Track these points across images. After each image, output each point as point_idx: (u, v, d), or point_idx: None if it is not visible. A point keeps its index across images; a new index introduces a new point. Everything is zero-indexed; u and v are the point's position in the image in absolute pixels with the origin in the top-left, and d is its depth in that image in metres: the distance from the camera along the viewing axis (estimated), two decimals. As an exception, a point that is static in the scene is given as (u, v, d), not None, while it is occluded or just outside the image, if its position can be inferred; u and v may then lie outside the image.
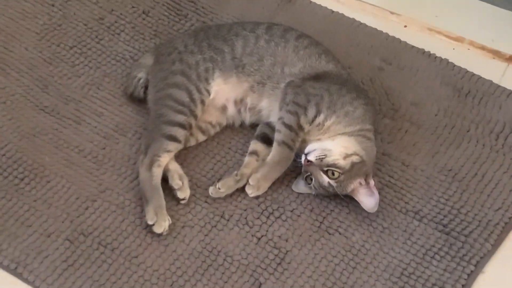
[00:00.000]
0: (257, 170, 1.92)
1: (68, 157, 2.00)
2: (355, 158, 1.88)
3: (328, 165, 1.86)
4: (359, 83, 2.15)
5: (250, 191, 1.92)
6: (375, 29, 2.37)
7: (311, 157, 1.88)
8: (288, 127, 1.92)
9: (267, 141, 1.99)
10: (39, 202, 1.90)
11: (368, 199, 1.87)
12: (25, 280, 1.77)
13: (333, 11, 2.42)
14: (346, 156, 1.88)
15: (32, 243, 1.83)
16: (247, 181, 1.92)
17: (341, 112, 1.94)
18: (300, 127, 1.93)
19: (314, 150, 1.90)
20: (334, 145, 1.91)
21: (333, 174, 1.87)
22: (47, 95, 2.12)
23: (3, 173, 1.95)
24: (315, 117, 1.93)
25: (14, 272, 1.78)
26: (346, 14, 2.41)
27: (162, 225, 1.84)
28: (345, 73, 2.06)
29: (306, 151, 1.91)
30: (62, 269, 1.79)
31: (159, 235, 1.84)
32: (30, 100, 2.11)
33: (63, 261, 1.80)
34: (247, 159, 1.98)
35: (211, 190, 1.92)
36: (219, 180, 1.93)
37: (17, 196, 1.91)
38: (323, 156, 1.87)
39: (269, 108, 2.02)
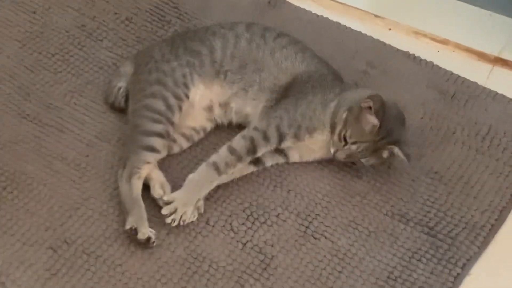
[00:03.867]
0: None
1: (51, 165, 2.00)
2: (344, 115, 1.92)
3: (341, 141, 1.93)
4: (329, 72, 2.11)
5: (166, 212, 1.84)
6: (360, 32, 2.39)
7: (339, 157, 1.95)
8: (232, 150, 1.91)
9: (254, 161, 1.98)
10: (22, 211, 1.90)
11: (371, 117, 1.89)
12: (8, 290, 1.77)
13: (317, 15, 2.44)
14: (339, 121, 1.93)
15: (15, 252, 1.83)
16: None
17: (305, 121, 1.96)
18: (252, 152, 1.92)
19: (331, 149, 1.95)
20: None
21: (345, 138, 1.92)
22: (29, 103, 2.13)
23: (-15, 182, 1.95)
24: (281, 139, 1.95)
25: (-4, 282, 1.79)
26: (331, 18, 2.43)
27: (144, 233, 1.82)
28: (315, 67, 2.04)
29: (332, 151, 1.96)
30: (46, 278, 1.78)
31: (146, 244, 1.83)
32: (12, 108, 2.11)
33: (47, 270, 1.80)
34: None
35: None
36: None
37: (-1, 205, 1.91)
38: (334, 145, 1.94)
39: (254, 116, 2.03)
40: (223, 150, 1.91)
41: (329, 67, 2.08)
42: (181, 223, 1.86)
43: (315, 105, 1.97)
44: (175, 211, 1.84)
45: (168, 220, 1.84)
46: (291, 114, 1.95)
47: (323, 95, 1.98)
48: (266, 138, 1.93)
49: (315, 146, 2.01)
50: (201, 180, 1.89)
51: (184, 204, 1.86)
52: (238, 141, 1.92)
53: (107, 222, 1.89)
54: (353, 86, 2.11)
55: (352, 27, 2.40)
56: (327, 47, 2.28)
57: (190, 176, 1.89)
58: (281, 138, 1.95)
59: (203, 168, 1.90)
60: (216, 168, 1.89)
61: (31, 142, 2.04)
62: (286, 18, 2.41)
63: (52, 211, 1.91)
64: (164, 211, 1.84)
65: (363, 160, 1.95)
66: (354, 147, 1.92)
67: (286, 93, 1.99)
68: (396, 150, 1.92)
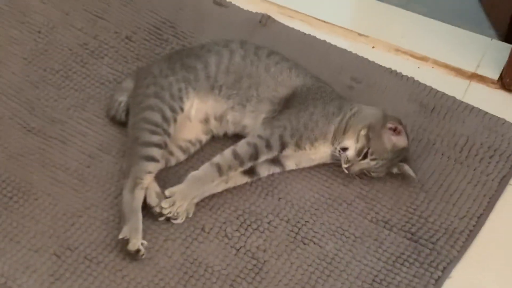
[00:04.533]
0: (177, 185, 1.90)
1: (55, 175, 2.00)
2: (363, 132, 1.93)
3: (360, 156, 1.94)
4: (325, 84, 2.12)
5: (165, 205, 1.86)
6: (345, 50, 2.39)
7: (353, 171, 1.96)
8: (235, 155, 1.92)
9: (249, 171, 1.99)
10: (27, 218, 1.90)
11: (399, 139, 1.93)
12: (15, 294, 1.77)
13: (305, 34, 2.44)
14: (357, 138, 1.94)
15: (21, 258, 1.83)
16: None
17: (307, 132, 1.97)
18: (254, 158, 1.93)
19: (344, 163, 1.96)
20: (349, 144, 1.96)
21: (366, 154, 1.93)
22: (34, 117, 2.13)
23: (-8, 193, 1.95)
24: (283, 147, 1.96)
25: (4, 286, 1.77)
26: (318, 36, 2.43)
27: (135, 244, 1.81)
28: (311, 81, 2.05)
29: (345, 166, 1.96)
30: (50, 282, 1.78)
31: (135, 255, 1.82)
32: (18, 122, 2.11)
33: (51, 275, 1.80)
34: None
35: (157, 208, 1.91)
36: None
37: (6, 213, 1.91)
38: (349, 160, 1.95)
39: (252, 127, 2.02)
40: (228, 154, 1.92)
41: (321, 80, 2.09)
42: (173, 219, 1.88)
43: (317, 116, 1.98)
44: (173, 204, 1.86)
45: (165, 211, 1.86)
46: (293, 124, 1.96)
47: (324, 107, 2.00)
48: (268, 146, 1.94)
49: (315, 156, 2.02)
50: (203, 177, 1.90)
51: (183, 197, 1.87)
52: (242, 147, 1.93)
53: (108, 229, 1.89)
54: (349, 100, 2.12)
55: (338, 45, 2.41)
56: (314, 63, 2.29)
57: (193, 172, 1.90)
58: (283, 146, 1.96)
59: (206, 167, 1.90)
60: (219, 169, 1.90)
61: (36, 153, 2.04)
62: (276, 36, 2.42)
63: (56, 219, 1.91)
64: (164, 204, 1.86)
65: (374, 175, 1.97)
66: (373, 163, 1.94)
67: (287, 105, 2.00)
68: (406, 167, 1.97)
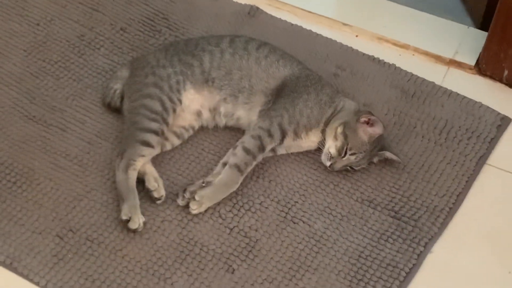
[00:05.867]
0: (205, 188, 1.89)
1: (56, 161, 1.98)
2: (340, 130, 1.93)
3: (341, 154, 1.94)
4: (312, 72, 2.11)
5: (194, 207, 1.87)
6: (330, 39, 2.39)
7: (336, 168, 1.95)
8: (246, 150, 1.91)
9: None
10: (30, 203, 1.89)
11: (374, 129, 1.93)
12: (20, 274, 1.77)
13: (292, 24, 2.43)
14: (335, 136, 1.94)
15: (25, 240, 1.82)
16: None
17: (303, 119, 1.97)
18: (261, 149, 1.93)
19: (326, 162, 1.96)
20: (329, 143, 1.96)
21: (346, 150, 1.93)
22: (35, 106, 2.11)
23: (-4, 179, 1.94)
24: (283, 135, 1.95)
25: (10, 267, 1.78)
26: (304, 26, 2.42)
27: (136, 222, 1.82)
28: (298, 69, 2.04)
29: (327, 164, 1.96)
30: (53, 263, 1.78)
31: (135, 231, 1.83)
32: (19, 110, 2.09)
33: (54, 256, 1.80)
34: (218, 168, 1.96)
35: (179, 201, 1.89)
36: (184, 190, 1.90)
37: (10, 198, 1.90)
38: (332, 157, 1.94)
39: (247, 118, 2.02)
40: (240, 152, 1.91)
41: (308, 68, 2.09)
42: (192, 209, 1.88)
43: (312, 103, 1.98)
44: (201, 206, 1.87)
45: (194, 212, 1.87)
46: (290, 111, 1.96)
47: (317, 95, 2.00)
48: (270, 135, 1.93)
49: (305, 144, 2.01)
50: (228, 181, 1.90)
51: (210, 200, 1.88)
52: (249, 141, 1.92)
53: (107, 211, 1.89)
54: (336, 88, 2.12)
55: (323, 34, 2.40)
56: (301, 52, 2.28)
57: (219, 177, 1.89)
58: (283, 134, 1.95)
59: (227, 171, 1.90)
60: (239, 169, 1.89)
61: (37, 141, 2.02)
62: (264, 26, 2.41)
63: (58, 202, 1.90)
64: (193, 205, 1.86)
65: (357, 168, 1.97)
66: (352, 157, 1.94)
67: (280, 94, 1.99)
68: (388, 154, 1.97)
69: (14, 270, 1.77)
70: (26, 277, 1.76)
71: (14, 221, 1.85)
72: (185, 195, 1.89)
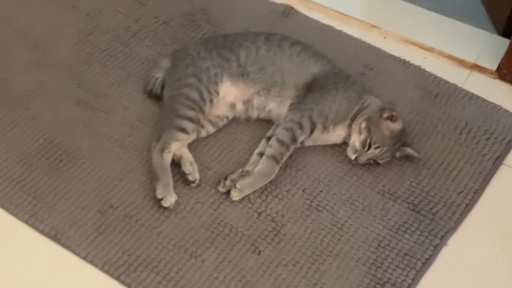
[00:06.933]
0: (245, 177, 1.91)
1: (100, 142, 2.02)
2: (364, 125, 1.94)
3: (365, 147, 1.95)
4: (341, 70, 2.12)
5: (235, 194, 1.90)
6: (359, 39, 2.39)
7: (361, 161, 1.96)
8: (280, 142, 1.93)
9: None
10: (75, 180, 1.93)
11: (395, 124, 1.94)
12: (63, 245, 1.81)
13: (323, 24, 2.44)
14: (359, 131, 1.95)
15: (69, 214, 1.86)
16: None
17: (331, 113, 1.98)
18: (294, 141, 1.95)
19: (352, 155, 1.97)
20: (353, 137, 1.97)
21: (370, 144, 1.94)
22: (82, 90, 2.15)
23: (45, 155, 1.98)
24: (313, 128, 1.96)
25: (54, 238, 1.81)
26: (335, 26, 2.43)
27: (169, 200, 1.86)
28: (328, 67, 2.06)
29: (353, 157, 1.97)
30: (94, 236, 1.82)
31: (166, 208, 1.86)
32: (68, 94, 2.13)
33: (95, 230, 1.83)
34: (254, 158, 1.98)
35: (219, 187, 1.92)
36: (226, 178, 1.92)
37: (57, 174, 1.94)
38: (357, 150, 1.95)
39: (278, 111, 2.04)
40: (274, 143, 1.93)
41: (337, 67, 2.10)
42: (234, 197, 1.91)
43: (340, 99, 1.99)
44: (241, 193, 1.89)
45: (235, 199, 1.90)
46: (320, 105, 1.97)
47: (345, 91, 2.01)
48: (301, 127, 1.95)
49: (331, 137, 2.03)
50: (266, 172, 1.92)
51: (250, 188, 1.91)
52: (282, 133, 1.94)
53: (145, 191, 1.91)
54: (363, 85, 2.13)
55: (353, 35, 2.40)
56: (331, 50, 2.26)
57: (256, 169, 1.91)
58: (312, 127, 1.96)
59: (265, 162, 1.91)
60: (275, 160, 1.91)
61: (83, 123, 2.06)
62: (297, 26, 2.41)
63: (100, 180, 1.93)
64: (234, 192, 1.89)
65: (381, 162, 1.97)
66: (377, 151, 1.95)
67: (310, 89, 2.00)
68: (409, 150, 1.98)
69: (58, 241, 1.81)
70: (68, 248, 1.80)
71: (59, 196, 1.89)
72: (226, 182, 1.91)
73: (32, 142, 2.00)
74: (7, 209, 1.86)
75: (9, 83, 2.15)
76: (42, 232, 1.82)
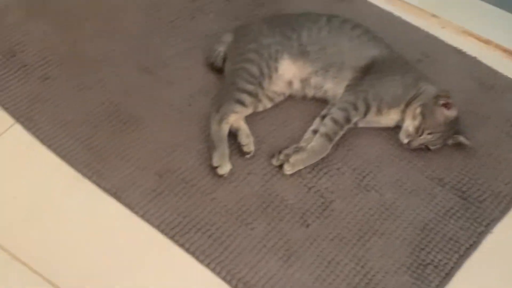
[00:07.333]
0: (298, 152, 1.94)
1: (161, 109, 2.06)
2: (418, 110, 1.94)
3: (418, 132, 1.95)
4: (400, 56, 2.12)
5: (288, 168, 1.92)
6: (418, 27, 2.37)
7: (413, 146, 1.97)
8: (335, 121, 1.95)
9: None
10: (137, 142, 1.97)
11: (450, 111, 1.94)
12: (122, 202, 1.85)
13: (383, 10, 2.43)
14: (414, 116, 1.95)
15: (129, 174, 1.90)
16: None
17: (387, 97, 1.98)
18: (348, 121, 1.96)
19: (404, 139, 1.98)
20: (407, 122, 1.98)
21: (423, 130, 1.94)
22: (148, 58, 2.18)
23: (109, 118, 2.02)
24: (367, 110, 1.97)
25: (115, 195, 1.86)
26: (394, 13, 2.42)
27: (224, 169, 1.89)
28: (387, 51, 2.06)
29: (405, 141, 1.97)
30: (152, 196, 1.86)
31: (221, 176, 1.89)
32: (134, 62, 2.16)
33: (153, 191, 1.87)
34: (307, 135, 2.00)
35: (273, 160, 1.95)
36: (280, 152, 1.95)
37: (120, 136, 1.98)
38: (410, 135, 1.95)
39: (334, 91, 2.05)
40: (328, 122, 1.95)
41: (396, 51, 2.09)
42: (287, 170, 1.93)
43: (397, 84, 2.00)
44: (293, 167, 1.92)
45: (288, 173, 1.92)
46: (376, 88, 1.98)
47: (402, 76, 2.01)
48: (356, 108, 1.96)
49: (384, 120, 2.03)
50: (319, 149, 1.94)
51: (302, 164, 1.93)
52: (337, 113, 1.96)
53: (202, 159, 1.94)
54: (419, 71, 2.12)
55: (412, 22, 2.39)
56: (389, 36, 2.23)
57: (310, 144, 1.94)
58: (367, 108, 1.97)
59: (318, 139, 1.94)
60: (328, 138, 1.94)
61: (147, 89, 2.10)
62: (356, 10, 2.40)
63: (160, 145, 1.97)
64: (287, 167, 1.91)
65: (432, 147, 1.97)
66: (429, 136, 1.95)
67: (368, 72, 2.01)
68: (461, 138, 1.97)
69: (118, 198, 1.86)
70: (127, 205, 1.84)
71: (121, 157, 1.94)
72: (280, 156, 1.94)
73: (99, 103, 2.05)
74: (72, 165, 1.92)
75: (81, 47, 2.21)
76: (104, 189, 1.88)
